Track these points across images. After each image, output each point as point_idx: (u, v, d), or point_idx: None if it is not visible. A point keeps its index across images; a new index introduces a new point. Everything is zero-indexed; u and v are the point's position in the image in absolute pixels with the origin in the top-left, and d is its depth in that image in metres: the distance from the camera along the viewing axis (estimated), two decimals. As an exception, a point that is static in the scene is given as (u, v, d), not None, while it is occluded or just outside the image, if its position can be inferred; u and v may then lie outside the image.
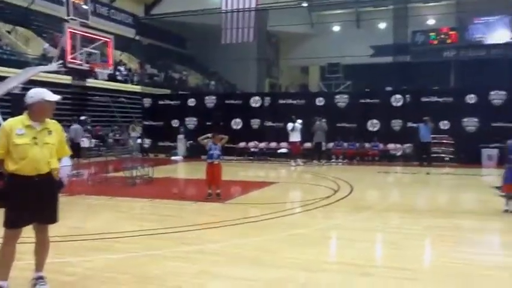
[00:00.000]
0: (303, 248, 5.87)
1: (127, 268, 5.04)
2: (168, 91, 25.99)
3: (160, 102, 21.97)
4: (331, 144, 18.64)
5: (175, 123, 21.06)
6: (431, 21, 31.47)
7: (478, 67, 27.63)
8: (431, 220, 7.62)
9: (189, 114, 20.98)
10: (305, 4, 29.49)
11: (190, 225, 7.03)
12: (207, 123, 19.81)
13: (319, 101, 19.59)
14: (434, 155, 17.16)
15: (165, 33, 33.93)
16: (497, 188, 8.64)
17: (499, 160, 15.90)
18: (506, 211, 7.98)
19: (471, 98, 17.62)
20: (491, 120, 16.95)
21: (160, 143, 20.95)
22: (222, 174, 9.57)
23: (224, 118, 20.06)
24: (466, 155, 16.82)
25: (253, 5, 24.69)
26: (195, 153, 17.55)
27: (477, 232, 7.09)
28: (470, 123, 17.57)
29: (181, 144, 19.99)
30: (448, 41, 30.60)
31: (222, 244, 6.05)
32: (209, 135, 9.75)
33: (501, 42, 28.40)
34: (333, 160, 18.08)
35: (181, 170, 17.22)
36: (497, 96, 17.33)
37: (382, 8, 29.65)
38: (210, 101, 21.04)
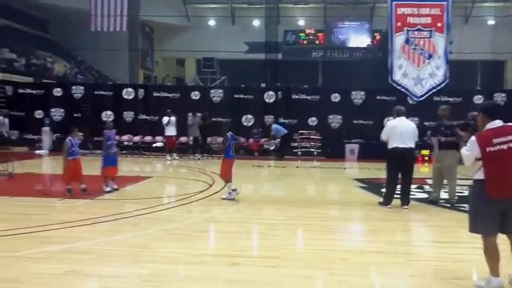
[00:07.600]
0: (176, 243, 5.87)
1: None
2: (30, 79, 23.81)
3: (21, 91, 20.08)
4: (208, 139, 18.75)
5: (39, 114, 19.48)
6: (301, 22, 33.17)
7: (342, 68, 29.84)
8: (299, 210, 8.10)
9: (54, 105, 19.58)
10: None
11: (56, 223, 6.58)
12: (75, 114, 18.74)
13: (195, 95, 19.59)
14: (304, 149, 18.26)
15: (21, 14, 30.39)
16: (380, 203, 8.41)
17: (359, 154, 17.49)
18: (380, 203, 8.27)
19: (336, 97, 19.01)
20: (352, 117, 18.52)
21: (25, 136, 19.29)
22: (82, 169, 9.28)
23: (94, 110, 19.06)
24: (332, 149, 18.12)
25: (124, -8, 23.50)
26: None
27: (338, 220, 7.70)
28: (335, 120, 18.98)
29: (47, 137, 18.55)
30: (316, 42, 32.58)
31: (92, 242, 5.77)
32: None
33: (361, 46, 30.99)
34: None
35: (46, 165, 15.98)
36: (357, 96, 18.92)
37: (256, 5, 30.49)
38: (78, 91, 19.84)
